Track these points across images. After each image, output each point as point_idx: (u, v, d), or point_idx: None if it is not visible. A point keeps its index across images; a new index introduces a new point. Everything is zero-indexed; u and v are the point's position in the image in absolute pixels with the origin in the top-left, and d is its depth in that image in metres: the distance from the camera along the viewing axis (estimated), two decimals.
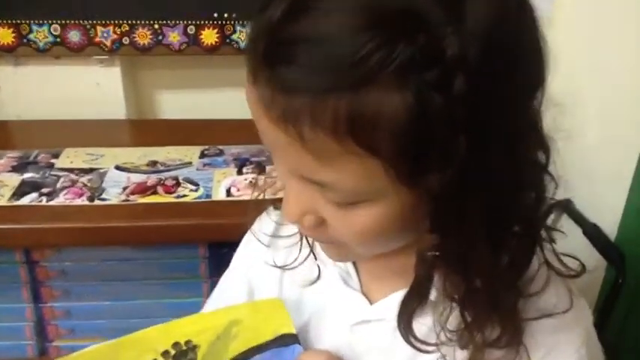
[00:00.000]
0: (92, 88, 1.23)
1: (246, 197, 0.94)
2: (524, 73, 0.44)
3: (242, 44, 1.19)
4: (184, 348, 0.61)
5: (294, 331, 0.61)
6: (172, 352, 0.61)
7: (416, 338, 0.54)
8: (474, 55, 0.39)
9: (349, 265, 0.61)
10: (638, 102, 1.08)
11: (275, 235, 0.67)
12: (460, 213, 0.44)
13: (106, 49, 1.18)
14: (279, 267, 0.66)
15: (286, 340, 0.61)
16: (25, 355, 1.07)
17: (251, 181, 0.97)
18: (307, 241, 0.63)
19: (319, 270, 0.63)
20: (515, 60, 0.42)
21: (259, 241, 0.68)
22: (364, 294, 0.61)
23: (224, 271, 1.03)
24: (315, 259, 0.63)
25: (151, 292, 1.04)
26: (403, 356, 0.58)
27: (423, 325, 0.54)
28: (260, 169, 1.02)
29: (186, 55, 1.20)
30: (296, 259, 0.64)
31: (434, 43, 0.39)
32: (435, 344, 0.53)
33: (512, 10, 0.43)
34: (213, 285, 1.04)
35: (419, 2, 0.39)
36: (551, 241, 0.53)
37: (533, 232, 0.50)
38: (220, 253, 1.02)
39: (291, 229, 0.65)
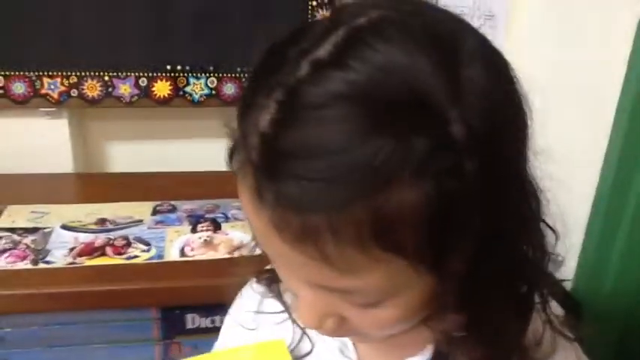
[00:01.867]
0: (37, 140, 1.18)
1: (201, 257, 0.91)
2: (520, 126, 0.43)
3: (195, 96, 1.17)
4: None
5: None
6: None
7: None
8: (479, 131, 0.38)
9: (345, 338, 0.58)
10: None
11: (260, 312, 0.64)
12: (485, 288, 0.43)
13: (53, 101, 1.14)
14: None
15: None
16: None
17: (206, 240, 0.94)
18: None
19: (312, 345, 0.60)
20: (511, 116, 0.42)
21: (241, 325, 0.64)
22: None
23: (177, 332, 0.99)
24: (305, 333, 0.60)
25: (100, 356, 0.99)
26: None
27: None
28: (215, 226, 0.99)
29: (138, 107, 1.16)
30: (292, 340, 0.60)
31: (443, 129, 0.37)
32: None
33: (499, 66, 0.42)
34: (165, 348, 1.00)
35: (419, 84, 0.37)
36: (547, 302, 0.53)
37: (537, 290, 0.50)
38: (173, 314, 0.98)
39: (276, 304, 0.62)
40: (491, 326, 0.47)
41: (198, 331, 1.00)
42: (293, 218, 0.37)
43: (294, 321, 0.61)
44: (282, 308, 0.62)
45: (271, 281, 0.63)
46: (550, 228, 0.49)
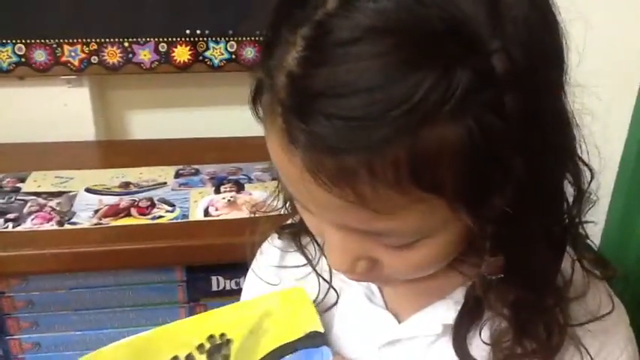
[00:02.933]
0: (59, 109, 1.19)
1: (225, 217, 0.91)
2: (559, 59, 0.41)
3: (215, 61, 1.17)
4: (219, 342, 0.60)
5: (321, 330, 0.59)
6: (207, 345, 0.60)
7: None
8: (520, 64, 0.36)
9: (372, 284, 0.58)
10: None
11: (281, 266, 0.63)
12: (522, 229, 0.42)
13: (74, 68, 1.14)
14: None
15: (315, 340, 0.59)
16: None
17: (229, 200, 0.93)
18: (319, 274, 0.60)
19: (337, 296, 0.60)
20: (551, 48, 0.40)
21: (262, 279, 0.64)
22: (391, 311, 0.57)
23: (203, 294, 0.99)
24: (330, 283, 0.60)
25: (126, 319, 1.00)
26: None
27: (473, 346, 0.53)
28: (238, 187, 0.98)
29: (158, 73, 1.16)
30: (317, 296, 0.60)
31: (485, 62, 0.35)
32: None
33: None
34: (190, 310, 1.01)
35: (458, 12, 0.35)
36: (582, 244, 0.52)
37: (573, 231, 0.49)
38: (198, 276, 0.98)
39: (298, 258, 0.62)
40: (527, 268, 0.46)
41: (224, 293, 1.00)
42: (327, 160, 0.36)
43: (318, 274, 0.61)
44: (303, 262, 0.62)
45: (293, 236, 0.62)
46: (586, 165, 0.48)
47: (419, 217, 0.39)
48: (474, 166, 0.37)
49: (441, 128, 0.35)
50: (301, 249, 0.61)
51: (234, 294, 1.00)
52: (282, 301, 0.61)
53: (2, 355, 1.00)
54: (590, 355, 0.52)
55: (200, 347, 0.60)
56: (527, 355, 0.50)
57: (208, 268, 0.98)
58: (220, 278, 0.99)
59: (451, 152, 0.36)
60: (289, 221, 0.62)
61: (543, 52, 0.39)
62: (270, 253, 0.65)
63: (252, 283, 0.68)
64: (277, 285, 0.63)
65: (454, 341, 0.53)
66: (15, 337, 0.99)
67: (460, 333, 0.53)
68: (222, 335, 0.60)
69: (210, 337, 0.60)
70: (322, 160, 0.36)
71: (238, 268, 0.98)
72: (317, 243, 0.60)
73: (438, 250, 0.44)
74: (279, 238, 0.63)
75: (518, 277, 0.46)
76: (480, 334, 0.52)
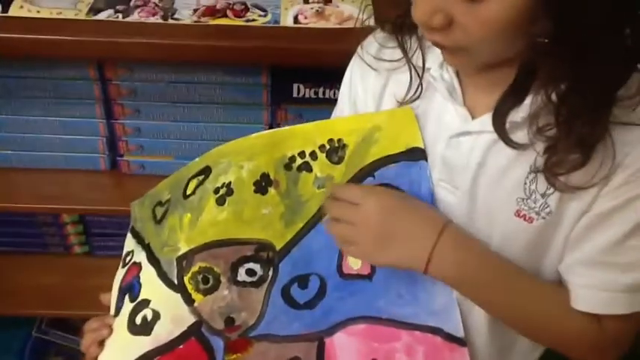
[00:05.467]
0: None
1: (313, 25, 0.97)
2: None
3: None
4: (336, 145, 0.70)
5: (422, 146, 0.67)
6: (327, 146, 0.70)
7: (510, 139, 0.59)
8: None
9: (454, 80, 0.64)
10: None
11: (378, 57, 0.71)
12: (589, 18, 0.47)
13: None
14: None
15: (415, 155, 0.67)
16: (98, 167, 1.17)
17: (317, 10, 0.99)
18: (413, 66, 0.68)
19: (421, 91, 0.67)
20: None
21: (363, 59, 0.72)
22: (467, 108, 0.64)
23: (284, 99, 1.08)
24: (420, 78, 0.67)
25: (216, 115, 1.11)
26: (494, 175, 0.63)
27: (518, 137, 0.59)
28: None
29: None
30: (409, 87, 0.68)
31: None
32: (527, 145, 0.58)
33: None
34: (273, 113, 1.11)
35: None
36: None
37: None
38: (281, 82, 1.07)
39: (393, 53, 0.69)
40: (575, 35, 0.50)
41: (303, 100, 1.08)
42: None
43: (410, 67, 0.68)
44: (397, 58, 0.69)
45: (394, 30, 0.69)
46: None
47: None
48: None
49: None
50: (400, 41, 0.68)
51: (313, 102, 1.08)
52: (391, 118, 0.69)
53: (108, 136, 1.14)
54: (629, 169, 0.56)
55: (322, 147, 0.70)
56: (566, 148, 0.55)
57: (291, 74, 1.06)
58: (301, 86, 1.07)
59: None
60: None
61: None
62: (371, 45, 0.73)
63: (349, 77, 0.76)
64: (376, 70, 0.71)
65: (494, 118, 0.59)
66: (119, 121, 1.11)
67: (501, 111, 0.59)
68: (339, 140, 0.70)
69: (330, 140, 0.70)
70: None
71: (318, 77, 1.06)
72: (416, 37, 0.66)
73: (507, 10, 0.49)
74: (381, 30, 0.71)
75: (570, 46, 0.51)
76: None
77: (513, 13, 0.50)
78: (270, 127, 1.11)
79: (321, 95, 1.08)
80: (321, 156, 0.70)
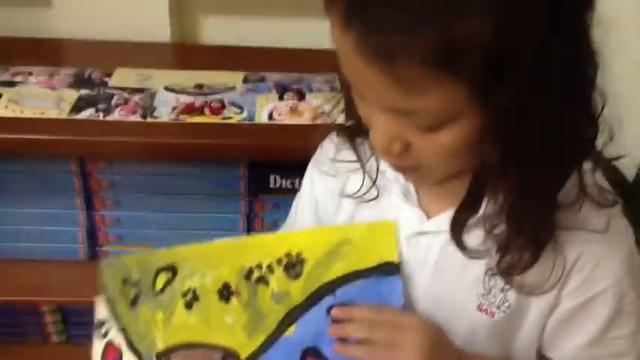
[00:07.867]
0: (136, 10, 1.24)
1: (287, 122, 1.01)
2: None
3: None
4: (294, 260, 0.68)
5: (397, 261, 0.65)
6: (284, 260, 0.68)
7: (465, 247, 0.61)
8: None
9: (409, 184, 0.66)
10: None
11: (335, 160, 0.73)
12: (524, 124, 0.50)
13: None
14: (348, 195, 0.71)
15: (388, 270, 0.66)
16: (77, 257, 1.17)
17: (292, 107, 1.03)
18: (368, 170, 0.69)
19: (378, 192, 0.69)
20: None
21: (322, 170, 0.75)
22: (423, 209, 0.66)
23: (261, 190, 1.11)
24: (375, 180, 0.69)
25: (194, 206, 1.13)
26: (453, 272, 0.64)
27: (472, 238, 0.61)
28: (300, 96, 1.07)
29: None
30: (361, 187, 0.69)
31: None
32: (482, 252, 0.60)
33: None
34: (250, 203, 1.13)
35: None
36: (595, 170, 0.59)
37: (580, 151, 0.55)
38: (259, 173, 1.09)
39: (351, 154, 0.71)
40: (531, 177, 0.53)
41: (280, 191, 1.10)
42: (374, 38, 0.45)
43: (365, 171, 0.69)
44: (354, 159, 0.71)
45: (349, 135, 0.72)
46: (601, 97, 0.53)
47: (441, 99, 0.48)
48: (492, 58, 0.45)
49: (472, 18, 0.43)
50: (354, 146, 0.70)
51: (289, 192, 1.10)
52: (369, 231, 0.68)
53: (88, 227, 1.15)
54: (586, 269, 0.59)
55: (279, 261, 0.68)
56: (517, 248, 0.58)
57: (268, 166, 1.09)
58: (277, 176, 1.10)
59: (477, 42, 0.44)
60: (348, 123, 0.72)
61: None
62: (328, 147, 0.75)
63: (310, 175, 0.79)
64: (333, 176, 0.73)
65: (451, 226, 0.61)
66: (99, 212, 1.13)
67: (459, 220, 0.61)
68: (298, 254, 0.67)
69: (288, 255, 0.68)
70: (370, 38, 0.45)
71: (295, 169, 1.09)
72: (368, 144, 0.69)
73: (458, 137, 0.52)
74: (337, 135, 0.74)
75: (520, 173, 0.54)
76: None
77: (462, 139, 0.52)
78: (248, 217, 1.14)
79: (297, 185, 1.09)
80: (278, 270, 0.68)
